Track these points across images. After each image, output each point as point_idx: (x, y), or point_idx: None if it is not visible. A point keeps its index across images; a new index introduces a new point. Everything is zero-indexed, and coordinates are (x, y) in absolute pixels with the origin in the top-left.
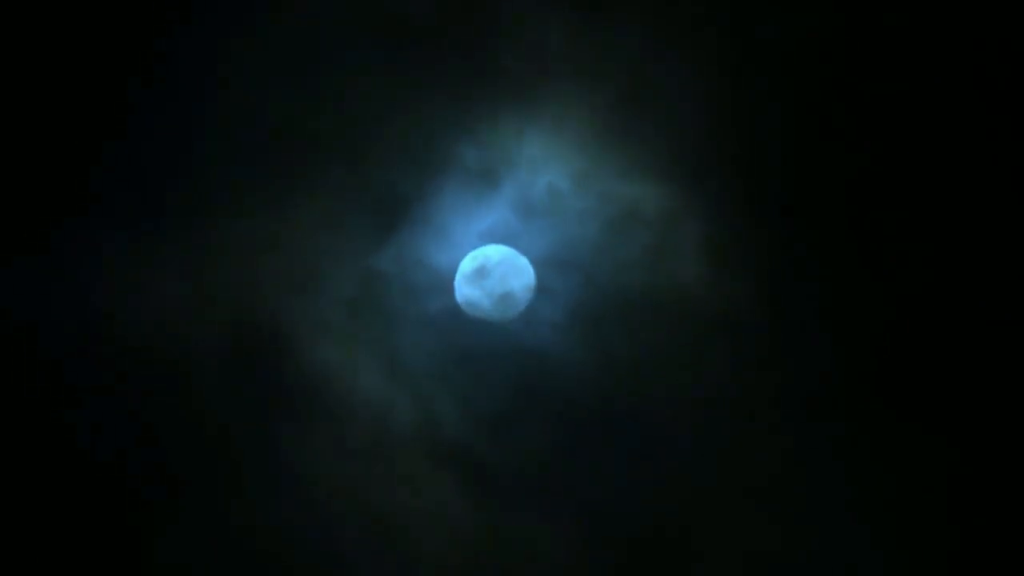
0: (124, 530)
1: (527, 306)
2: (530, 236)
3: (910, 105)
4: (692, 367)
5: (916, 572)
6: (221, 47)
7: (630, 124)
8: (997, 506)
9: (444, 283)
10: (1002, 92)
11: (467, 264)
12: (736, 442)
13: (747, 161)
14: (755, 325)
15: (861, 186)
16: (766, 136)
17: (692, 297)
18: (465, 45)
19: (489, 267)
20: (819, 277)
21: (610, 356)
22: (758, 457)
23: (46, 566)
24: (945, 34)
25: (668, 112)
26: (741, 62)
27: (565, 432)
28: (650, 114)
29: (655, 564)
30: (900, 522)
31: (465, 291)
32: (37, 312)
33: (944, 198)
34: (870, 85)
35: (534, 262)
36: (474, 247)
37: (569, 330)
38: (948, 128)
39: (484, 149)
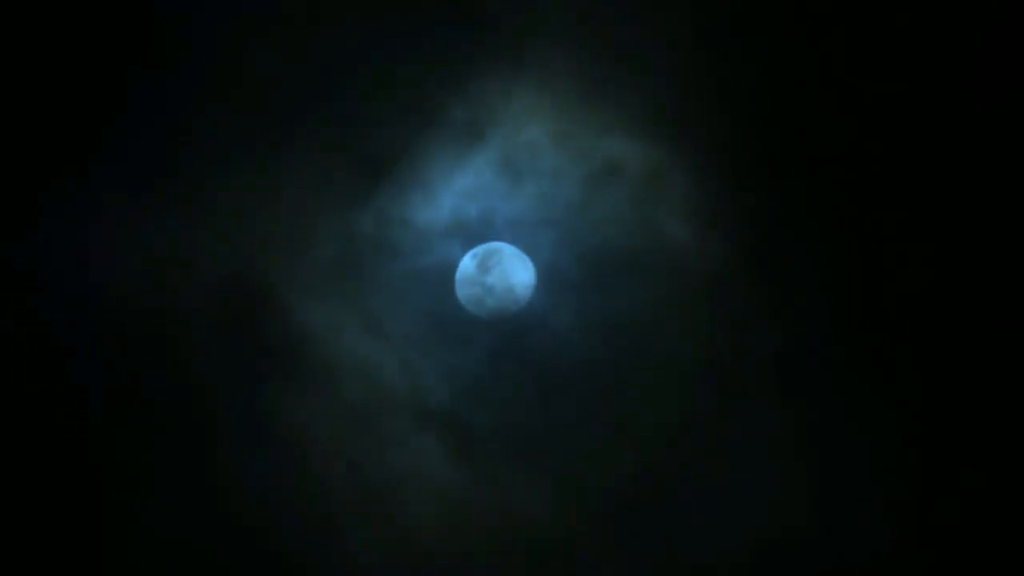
0: (110, 488)
1: (528, 303)
2: (515, 196)
3: (897, 60)
4: (675, 326)
5: (902, 528)
6: (211, 7)
7: (618, 80)
8: (984, 459)
9: (428, 242)
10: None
11: (468, 261)
12: (720, 402)
13: (733, 119)
14: (741, 284)
15: (848, 143)
16: (753, 93)
17: (677, 255)
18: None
19: (490, 264)
20: (805, 235)
21: (597, 313)
22: (742, 417)
23: (29, 519)
24: None
25: (656, 68)
26: (728, 18)
27: (545, 393)
28: (637, 70)
29: (637, 522)
30: (885, 480)
31: (466, 289)
32: (30, 267)
33: (930, 156)
34: (855, 42)
35: (520, 223)
36: (459, 206)
37: (549, 290)
38: (935, 83)
39: (471, 106)
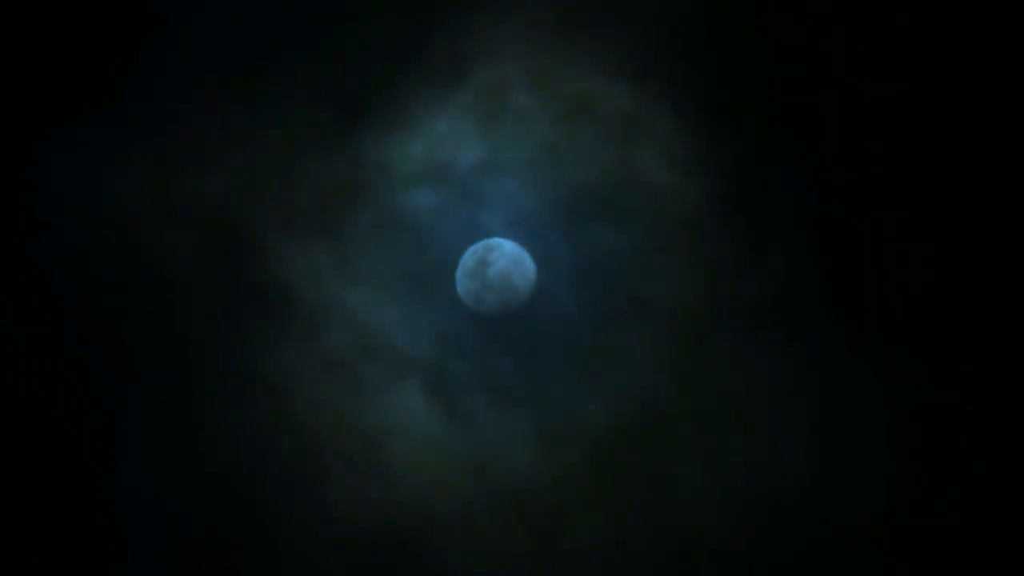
0: (90, 433)
1: (528, 299)
2: (499, 141)
3: (888, 12)
4: (655, 273)
5: (885, 485)
6: None
7: (605, 21)
8: (969, 416)
9: (409, 185)
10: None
11: (468, 258)
12: (700, 351)
13: (720, 61)
14: (721, 230)
15: (835, 87)
16: (739, 36)
17: (657, 199)
18: None
19: (490, 260)
20: (789, 180)
21: (573, 259)
22: (723, 367)
23: (12, 462)
24: None
25: (644, 8)
26: None
27: (525, 341)
28: (625, 10)
29: (616, 465)
30: (869, 434)
31: (466, 283)
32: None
33: (916, 101)
34: None
35: (508, 166)
36: (440, 148)
37: (525, 236)
38: (921, 33)
39: (453, 45)
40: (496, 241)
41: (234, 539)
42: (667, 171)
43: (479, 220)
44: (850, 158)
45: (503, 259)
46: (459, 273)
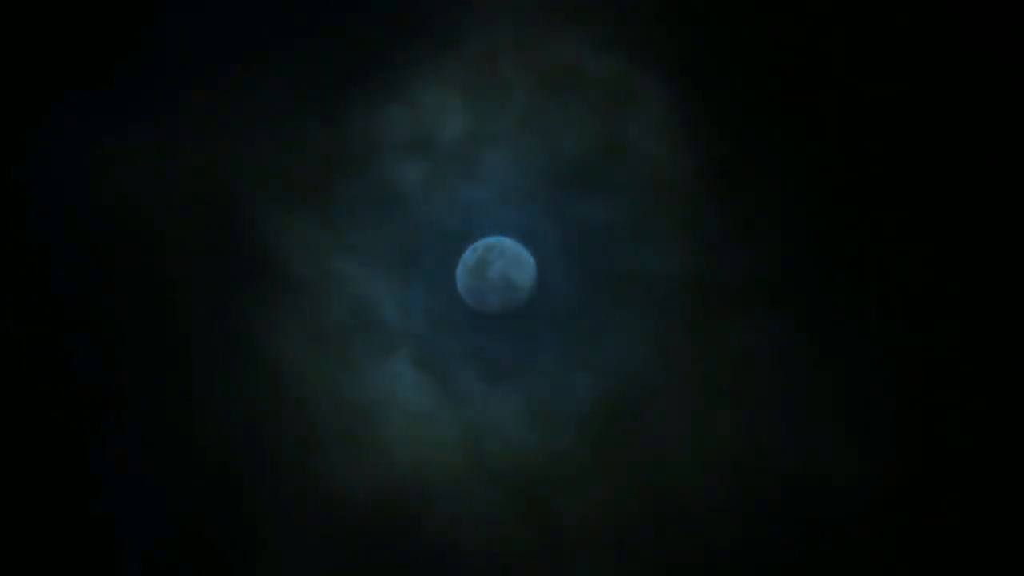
0: (82, 406)
1: (528, 299)
2: (489, 112)
3: None
4: (647, 244)
5: (876, 456)
6: None
7: None
8: (958, 390)
9: (403, 157)
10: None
11: (469, 256)
12: (690, 325)
13: (709, 31)
14: (710, 203)
15: (830, 57)
16: (735, 5)
17: (649, 170)
18: None
19: (491, 259)
20: (784, 152)
21: (565, 231)
22: (713, 340)
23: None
24: None
25: None
26: None
27: (517, 313)
28: None
29: (606, 437)
30: (858, 408)
31: (466, 280)
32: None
33: (912, 69)
34: None
35: (497, 137)
36: (434, 119)
37: (515, 205)
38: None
39: (443, 16)
40: (496, 240)
41: (228, 512)
42: (657, 143)
43: (468, 193)
44: (844, 130)
45: (503, 259)
46: (459, 271)
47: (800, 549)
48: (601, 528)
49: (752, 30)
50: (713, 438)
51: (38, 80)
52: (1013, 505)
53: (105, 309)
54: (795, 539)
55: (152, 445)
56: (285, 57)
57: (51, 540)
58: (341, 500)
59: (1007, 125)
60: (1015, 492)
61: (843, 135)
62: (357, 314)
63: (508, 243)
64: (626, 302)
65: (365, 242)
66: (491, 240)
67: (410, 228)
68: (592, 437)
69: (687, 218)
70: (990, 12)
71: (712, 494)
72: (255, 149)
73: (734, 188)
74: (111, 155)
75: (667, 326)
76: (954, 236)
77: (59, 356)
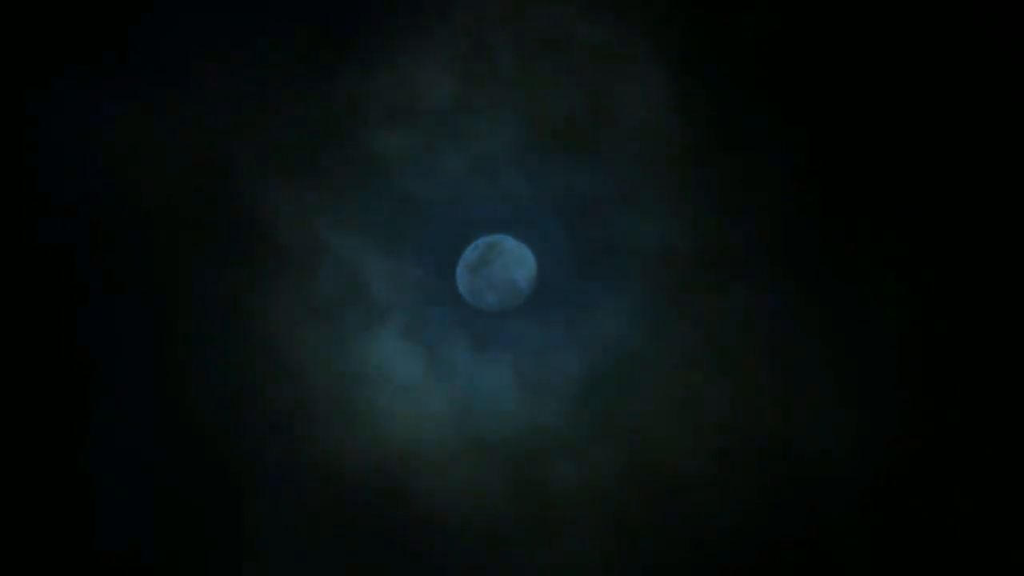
0: (72, 379)
1: (528, 296)
2: (476, 79)
3: None
4: (637, 211)
5: (867, 426)
6: None
7: None
8: (954, 357)
9: (396, 124)
10: None
11: (469, 254)
12: (679, 296)
13: None
14: (704, 172)
15: (823, 24)
16: None
17: (640, 135)
18: None
19: (491, 256)
20: (776, 119)
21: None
22: (701, 311)
23: None
24: None
25: None
26: None
27: (505, 284)
28: None
29: (595, 408)
30: (849, 378)
31: (467, 278)
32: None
33: (912, 44)
34: None
35: (484, 104)
36: (427, 83)
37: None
38: None
39: None
40: (497, 238)
41: (215, 483)
42: (647, 111)
43: (458, 162)
44: (838, 100)
45: (504, 257)
46: (460, 269)
47: (790, 518)
48: (590, 498)
49: None
50: (703, 409)
51: (35, 50)
52: (1016, 478)
53: (93, 282)
54: (785, 509)
55: (142, 416)
56: (277, 29)
57: (38, 509)
58: (329, 470)
59: (998, 83)
60: (1018, 465)
61: (837, 105)
62: (346, 285)
63: (510, 242)
64: (615, 272)
65: (354, 212)
66: (492, 238)
67: (399, 198)
68: (581, 408)
69: (676, 188)
70: None
71: (702, 465)
72: (246, 120)
73: (724, 158)
74: (103, 126)
75: (656, 296)
76: (948, 207)
77: (48, 327)
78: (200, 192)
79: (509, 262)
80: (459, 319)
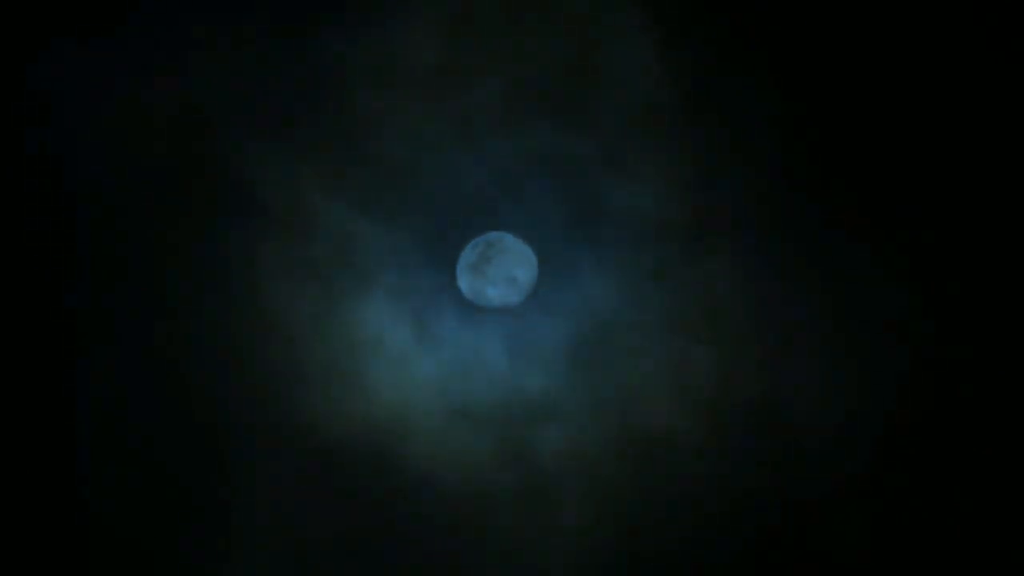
0: (61, 347)
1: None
2: (460, 39)
3: None
4: (618, 179)
5: (853, 390)
6: None
7: None
8: (941, 325)
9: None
10: None
11: (469, 253)
12: (668, 261)
13: None
14: (691, 137)
15: None
16: None
17: (623, 97)
18: None
19: (491, 254)
20: (765, 82)
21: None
22: (691, 275)
23: None
24: None
25: None
26: None
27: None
28: None
29: (583, 374)
30: (838, 344)
31: (467, 278)
32: None
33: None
34: None
35: (469, 65)
36: (407, 50)
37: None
38: None
39: None
40: (497, 235)
41: (204, 446)
42: (634, 72)
43: (441, 124)
44: (827, 60)
45: (505, 255)
46: (460, 267)
47: (778, 482)
48: (578, 464)
49: None
50: (690, 373)
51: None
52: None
53: (77, 247)
54: (772, 473)
55: (129, 381)
56: None
57: (22, 466)
58: (317, 434)
59: (987, 42)
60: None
61: (827, 68)
62: (334, 249)
63: (509, 239)
64: (601, 238)
65: (341, 175)
66: (492, 236)
67: (385, 160)
68: (569, 373)
69: (664, 153)
70: None
71: (689, 429)
72: (231, 81)
73: (712, 123)
74: (84, 89)
75: (644, 261)
76: (940, 171)
77: (30, 295)
78: (185, 154)
79: (509, 261)
80: (448, 285)
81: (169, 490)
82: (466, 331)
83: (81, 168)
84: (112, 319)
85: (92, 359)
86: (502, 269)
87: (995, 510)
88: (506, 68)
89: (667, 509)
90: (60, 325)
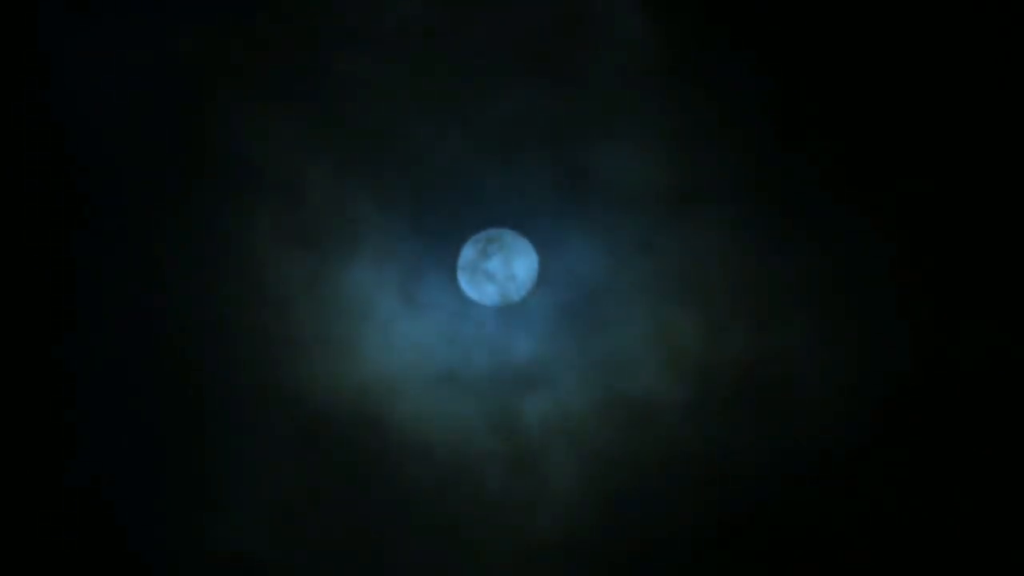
0: (53, 311)
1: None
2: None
3: None
4: (604, 143)
5: (840, 355)
6: None
7: None
8: (948, 291)
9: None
10: None
11: (468, 250)
12: (654, 224)
13: None
14: (678, 99)
15: None
16: None
17: (612, 57)
18: None
19: (491, 251)
20: (758, 47)
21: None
22: (677, 239)
23: None
24: None
25: None
26: None
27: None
28: None
29: (567, 340)
30: (825, 308)
31: (467, 276)
32: None
33: None
34: None
35: (449, 20)
36: (399, 14)
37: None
38: None
39: None
40: (496, 232)
41: (195, 411)
42: (621, 35)
43: (432, 82)
44: (817, 26)
45: (504, 252)
46: (460, 264)
47: (764, 447)
48: (564, 429)
49: None
50: (677, 339)
51: None
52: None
53: (70, 211)
54: (759, 438)
55: (119, 341)
56: None
57: (14, 435)
58: (307, 399)
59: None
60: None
61: (816, 34)
62: (324, 215)
63: (508, 236)
64: (588, 204)
65: (330, 139)
66: (492, 232)
67: (373, 123)
68: (556, 340)
69: (651, 118)
70: None
71: (675, 395)
72: (221, 42)
73: (700, 88)
74: (76, 54)
75: (630, 227)
76: (929, 135)
77: (27, 259)
78: (174, 118)
79: (509, 258)
80: (437, 252)
81: (159, 455)
82: (452, 297)
83: (69, 133)
84: (101, 287)
85: (82, 325)
86: (502, 267)
87: (986, 472)
88: (494, 29)
89: (654, 472)
90: (49, 294)
